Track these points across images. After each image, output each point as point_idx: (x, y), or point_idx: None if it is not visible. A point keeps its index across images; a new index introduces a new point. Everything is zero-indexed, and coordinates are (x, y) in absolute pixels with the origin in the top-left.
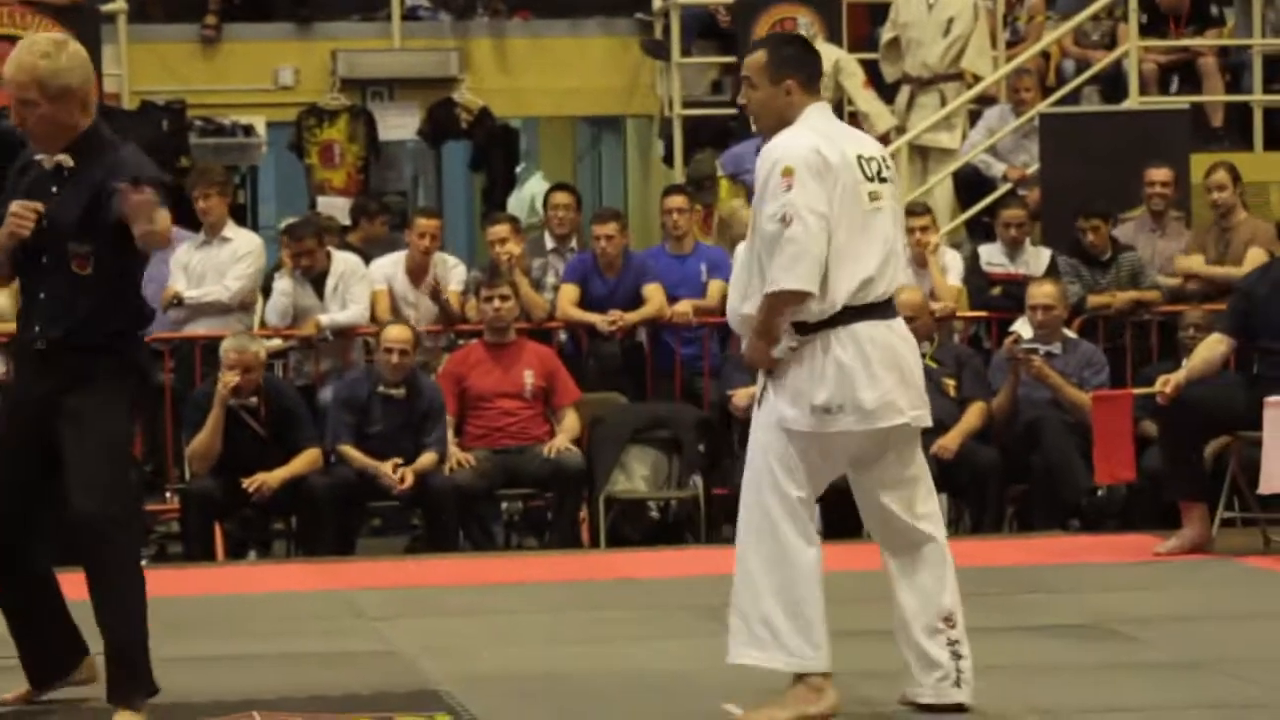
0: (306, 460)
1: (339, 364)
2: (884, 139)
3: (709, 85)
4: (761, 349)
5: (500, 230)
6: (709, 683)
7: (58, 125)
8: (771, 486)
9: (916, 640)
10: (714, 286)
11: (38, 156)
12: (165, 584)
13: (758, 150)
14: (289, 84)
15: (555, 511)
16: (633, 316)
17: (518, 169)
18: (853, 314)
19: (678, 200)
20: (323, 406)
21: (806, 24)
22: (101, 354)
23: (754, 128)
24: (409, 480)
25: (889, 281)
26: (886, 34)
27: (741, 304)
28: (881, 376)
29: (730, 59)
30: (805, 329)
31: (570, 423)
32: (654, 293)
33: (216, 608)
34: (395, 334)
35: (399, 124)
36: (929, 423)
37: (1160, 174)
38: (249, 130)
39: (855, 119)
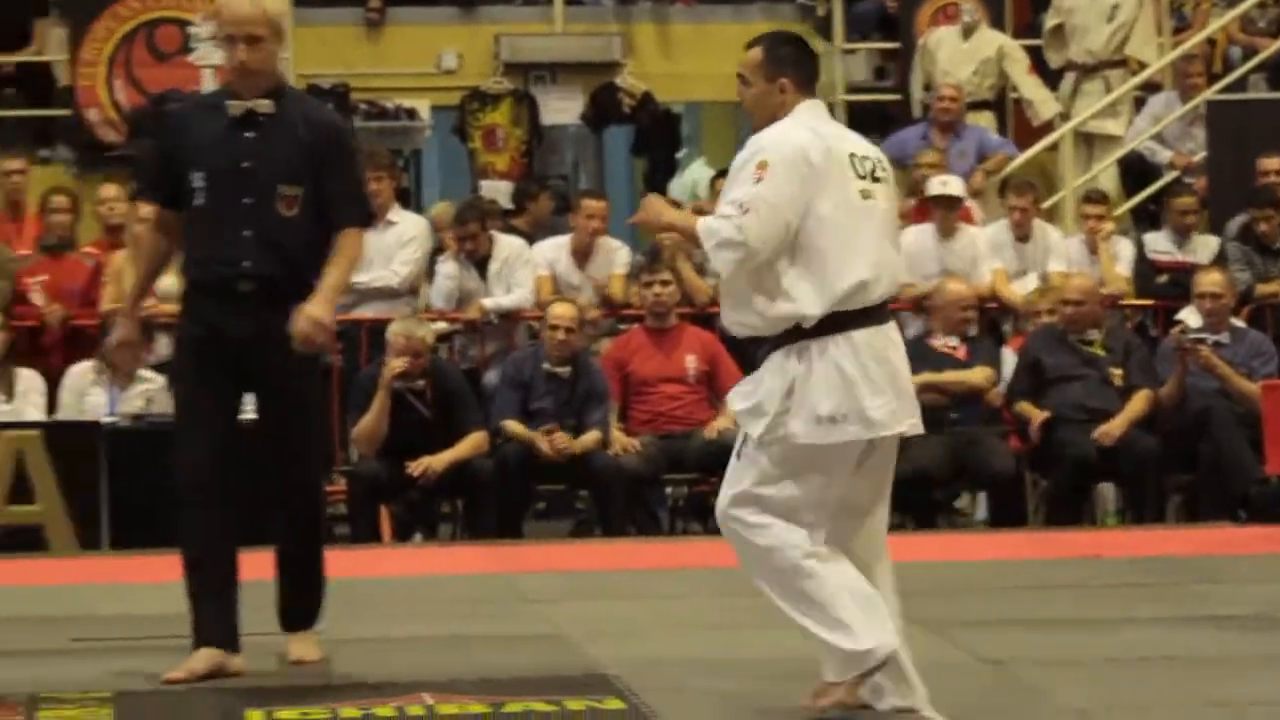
0: (472, 443)
1: (503, 347)
2: (1048, 126)
3: (872, 71)
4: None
5: None
6: None
7: (269, 67)
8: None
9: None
10: None
11: (229, 103)
12: (331, 566)
13: (922, 136)
14: (452, 68)
15: (718, 493)
16: None
17: (679, 154)
18: (848, 319)
19: None
20: (487, 389)
21: (970, 10)
22: (307, 293)
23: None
24: (566, 445)
25: (886, 285)
26: (1051, 20)
27: (732, 310)
28: (882, 385)
29: (894, 44)
30: (803, 334)
31: None
32: None
33: (383, 590)
34: (560, 311)
35: (561, 108)
36: (921, 430)
37: (1272, 163)
38: (412, 114)
39: (1019, 105)
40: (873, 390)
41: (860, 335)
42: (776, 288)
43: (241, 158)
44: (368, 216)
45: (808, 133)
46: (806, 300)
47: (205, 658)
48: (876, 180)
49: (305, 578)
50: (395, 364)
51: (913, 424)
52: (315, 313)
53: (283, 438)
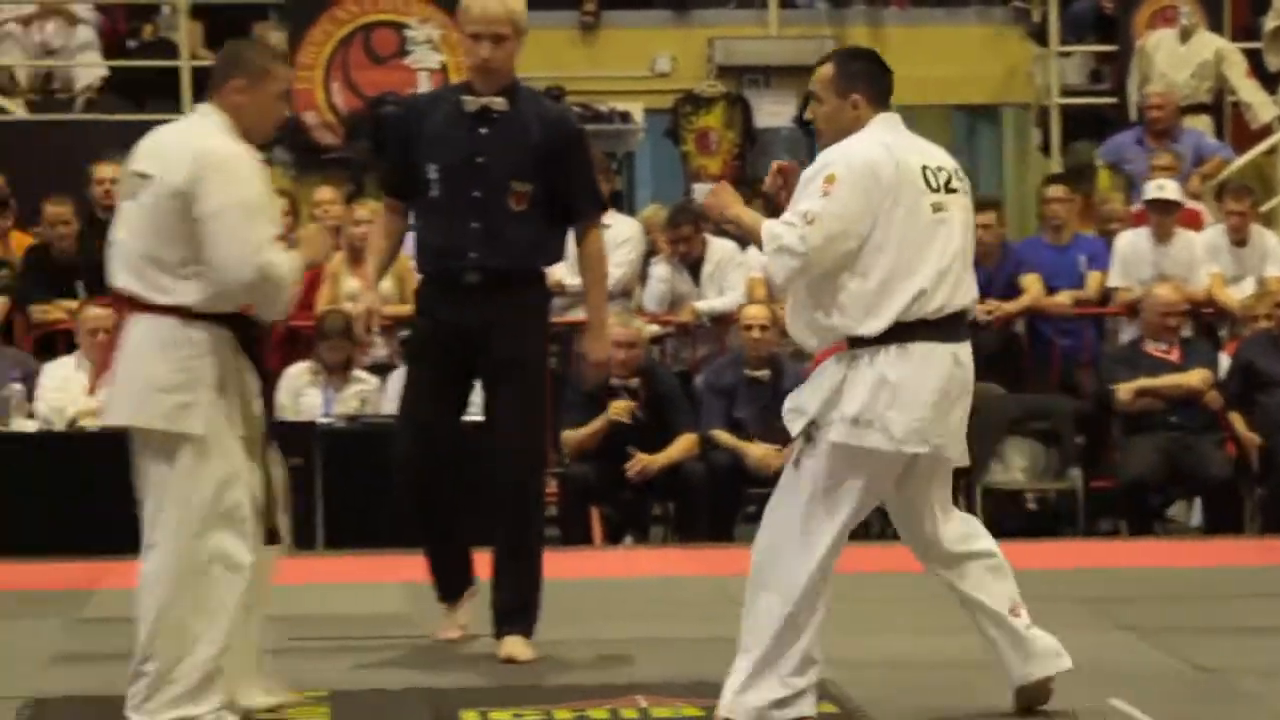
0: (684, 445)
1: (715, 350)
2: (1267, 129)
3: (1088, 74)
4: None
5: None
6: (1096, 676)
7: (509, 66)
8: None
9: (1001, 625)
10: (1093, 278)
11: (465, 98)
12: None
13: (1138, 141)
14: (666, 71)
15: None
16: (1010, 306)
17: None
18: (906, 330)
19: (1058, 190)
20: (698, 392)
21: (1188, 13)
22: (532, 286)
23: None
24: (775, 463)
25: (948, 295)
26: (1270, 23)
27: (793, 319)
28: (921, 400)
29: (1110, 48)
30: (859, 343)
31: None
32: (1031, 283)
33: (595, 592)
34: (754, 312)
35: (775, 111)
36: (958, 459)
37: None
38: (626, 117)
39: (1237, 108)
40: (905, 402)
41: (918, 347)
42: (832, 302)
43: (475, 152)
44: (603, 208)
45: (879, 148)
46: (858, 319)
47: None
48: (951, 191)
49: (519, 577)
50: (619, 407)
51: (940, 446)
52: (598, 356)
53: (503, 433)
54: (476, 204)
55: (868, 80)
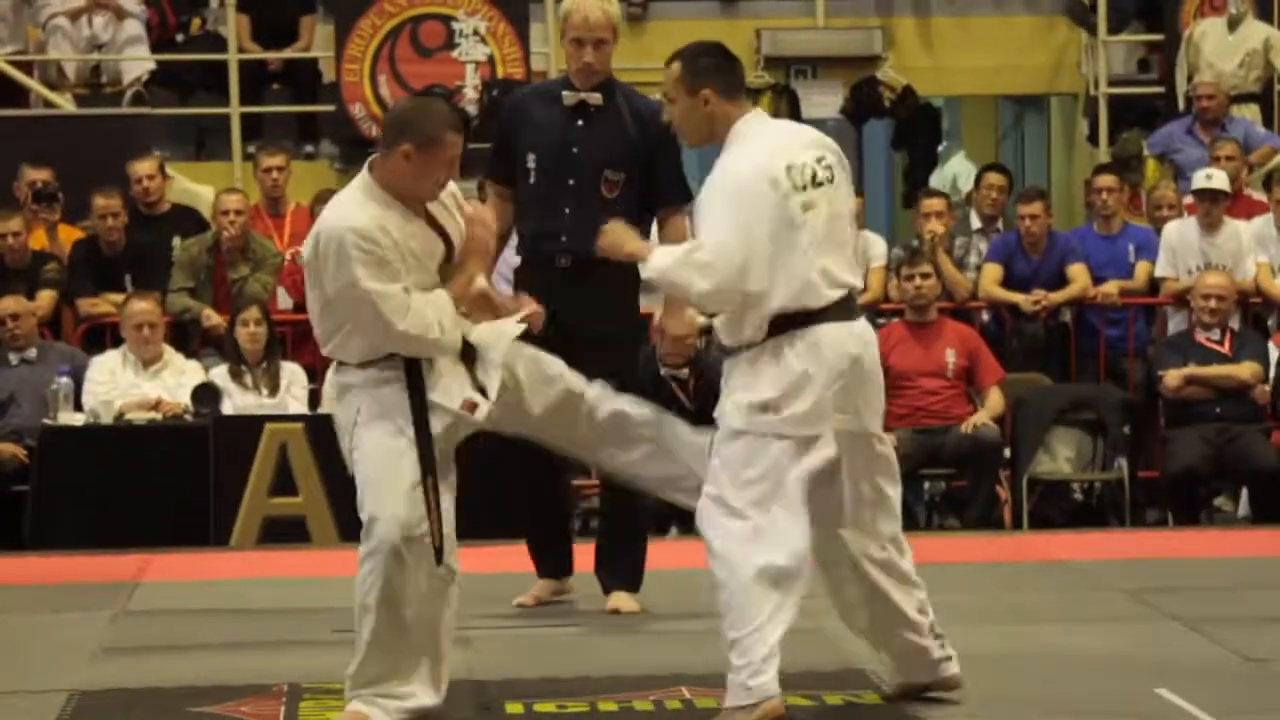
0: None
1: None
2: None
3: (1135, 63)
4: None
5: (935, 204)
6: (1141, 666)
7: (604, 66)
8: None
9: (900, 635)
10: (1141, 268)
11: (564, 93)
12: (588, 560)
13: (1186, 130)
14: None
15: (972, 487)
16: (1057, 296)
17: (940, 148)
18: (798, 319)
19: (1107, 180)
20: None
21: (1236, 1)
22: (621, 271)
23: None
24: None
25: (831, 283)
26: None
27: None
28: (823, 381)
29: (1158, 37)
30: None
31: (995, 401)
32: (1079, 273)
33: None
34: None
35: (822, 102)
36: (872, 427)
37: None
38: None
39: None
40: (808, 387)
41: (815, 331)
42: (730, 316)
43: (571, 143)
44: (688, 197)
45: (746, 161)
46: (750, 329)
47: (544, 586)
48: (817, 185)
49: (624, 535)
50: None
51: (846, 420)
52: (676, 331)
53: None
54: (570, 191)
55: (716, 74)
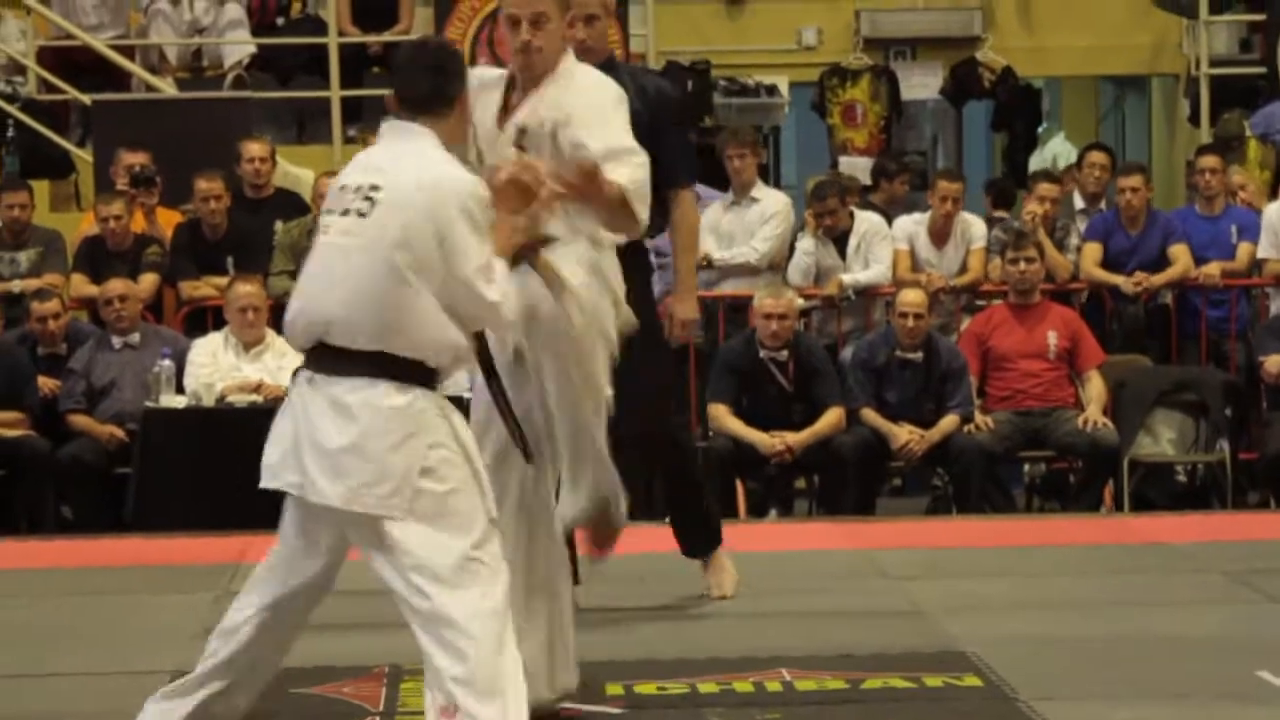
0: (831, 420)
1: (861, 324)
2: None
3: (1237, 44)
4: None
5: (1049, 189)
6: (1243, 648)
7: (599, 43)
8: None
9: None
10: (1243, 249)
11: None
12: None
13: None
14: (812, 44)
15: (1084, 481)
16: (1158, 278)
17: (1040, 129)
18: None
19: (1210, 160)
20: (843, 366)
21: None
22: (633, 254)
23: None
24: (921, 448)
25: (309, 322)
26: None
27: None
28: (278, 435)
29: (1259, 17)
30: None
31: (1097, 388)
32: (1180, 253)
33: (740, 565)
34: (910, 298)
35: (921, 83)
36: (315, 497)
37: None
38: (772, 90)
39: None
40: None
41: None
42: None
43: None
44: (694, 177)
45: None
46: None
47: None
48: (344, 214)
49: (691, 514)
50: None
51: (290, 485)
52: (684, 314)
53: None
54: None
55: (399, 84)
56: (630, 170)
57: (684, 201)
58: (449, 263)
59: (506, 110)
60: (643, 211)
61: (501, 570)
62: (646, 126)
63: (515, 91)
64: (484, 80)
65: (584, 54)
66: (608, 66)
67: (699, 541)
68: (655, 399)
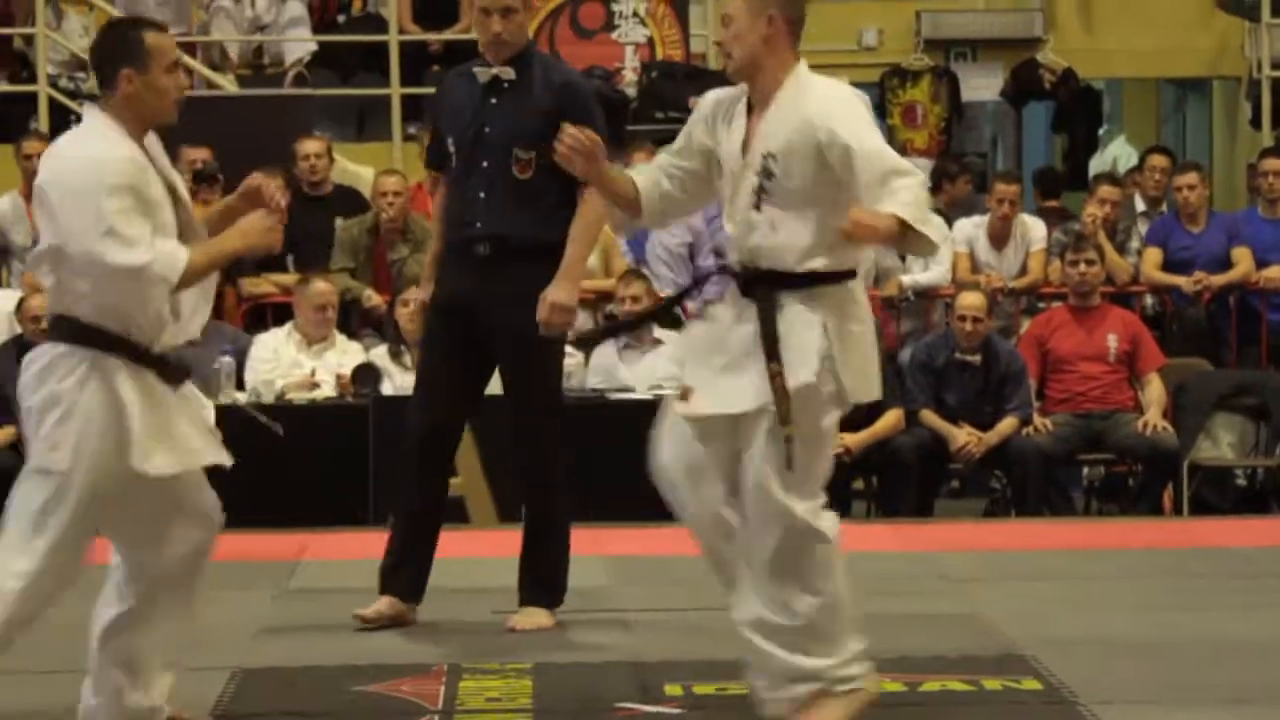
0: (889, 421)
1: (920, 325)
2: None
3: None
4: None
5: (1109, 191)
6: None
7: (516, 37)
8: None
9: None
10: None
11: (476, 70)
12: None
13: None
14: (872, 45)
15: (1143, 485)
16: (1219, 279)
17: (1100, 131)
18: None
19: (1273, 163)
20: (903, 367)
21: None
22: (542, 259)
23: None
24: (979, 450)
25: None
26: None
27: None
28: None
29: None
30: None
31: (1157, 391)
32: (1242, 255)
33: None
34: (969, 301)
35: (981, 85)
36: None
37: None
38: None
39: None
40: None
41: None
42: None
43: (484, 123)
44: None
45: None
46: None
47: (387, 603)
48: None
49: (539, 553)
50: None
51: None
52: (557, 297)
53: (516, 406)
54: (484, 174)
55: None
56: (903, 197)
57: (592, 198)
58: None
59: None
60: (933, 232)
61: None
62: (556, 121)
63: (753, 115)
64: (721, 100)
65: (500, 47)
66: (523, 58)
67: (542, 587)
68: (544, 424)
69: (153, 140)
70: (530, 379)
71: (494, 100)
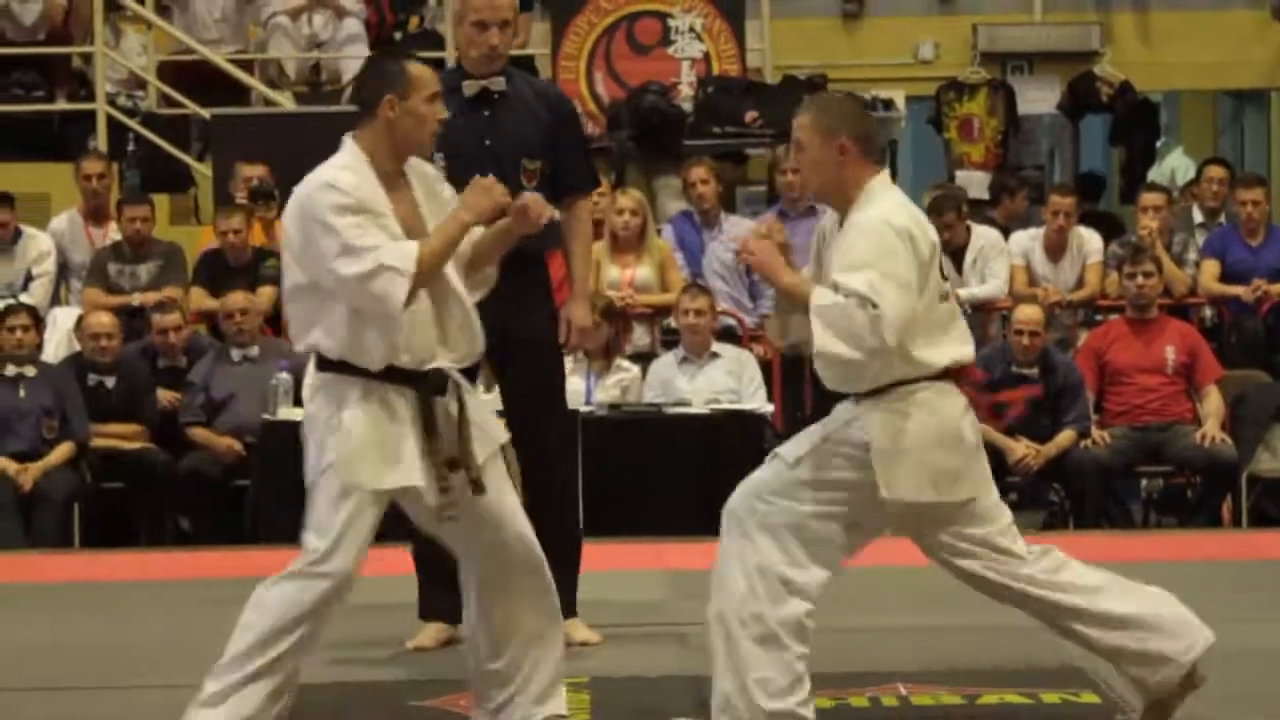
0: None
1: (978, 338)
2: None
3: None
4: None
5: (1154, 198)
6: None
7: (509, 48)
8: None
9: None
10: None
11: (465, 83)
12: None
13: None
14: (929, 58)
15: (1202, 497)
16: (1277, 289)
17: (1158, 143)
18: None
19: None
20: None
21: None
22: (539, 265)
23: None
24: (1037, 462)
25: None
26: None
27: None
28: None
29: None
30: None
31: (1215, 403)
32: None
33: (855, 581)
34: (1026, 314)
35: (1038, 98)
36: None
37: None
38: (889, 104)
39: None
40: None
41: None
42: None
43: (482, 135)
44: (596, 184)
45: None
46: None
47: (435, 630)
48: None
49: (570, 569)
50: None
51: None
52: (581, 321)
53: (523, 413)
54: None
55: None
56: (829, 298)
57: (581, 210)
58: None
59: None
60: (820, 330)
61: None
62: (551, 133)
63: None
64: (834, 219)
65: (495, 60)
66: (504, 70)
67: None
68: (555, 430)
69: (417, 164)
70: (540, 386)
71: (486, 113)
